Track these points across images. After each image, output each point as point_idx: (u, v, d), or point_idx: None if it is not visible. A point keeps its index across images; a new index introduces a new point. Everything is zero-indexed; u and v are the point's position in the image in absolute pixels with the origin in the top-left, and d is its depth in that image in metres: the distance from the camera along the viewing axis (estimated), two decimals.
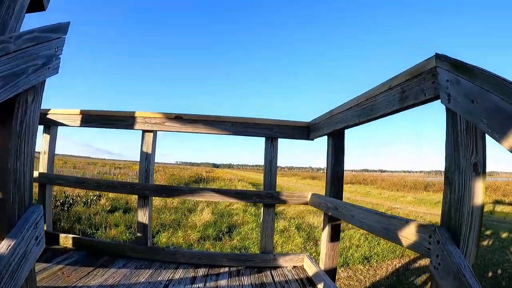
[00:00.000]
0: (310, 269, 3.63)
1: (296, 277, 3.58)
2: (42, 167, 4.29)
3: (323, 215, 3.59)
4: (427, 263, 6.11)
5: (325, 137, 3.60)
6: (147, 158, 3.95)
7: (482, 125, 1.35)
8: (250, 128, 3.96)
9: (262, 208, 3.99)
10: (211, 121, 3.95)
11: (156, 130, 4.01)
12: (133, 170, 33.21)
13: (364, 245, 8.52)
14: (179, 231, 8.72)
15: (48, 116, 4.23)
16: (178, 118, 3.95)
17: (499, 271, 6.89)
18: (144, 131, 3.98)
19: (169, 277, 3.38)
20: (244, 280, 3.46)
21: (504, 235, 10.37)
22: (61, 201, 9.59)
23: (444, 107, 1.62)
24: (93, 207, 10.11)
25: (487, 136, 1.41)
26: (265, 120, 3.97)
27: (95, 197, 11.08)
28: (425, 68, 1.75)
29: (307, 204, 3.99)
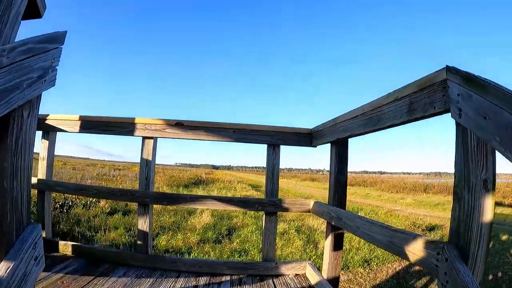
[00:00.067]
0: (313, 278, 3.60)
1: (298, 285, 3.55)
2: (41, 173, 4.24)
3: (326, 224, 3.54)
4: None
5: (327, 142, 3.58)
6: (147, 165, 3.90)
7: (494, 143, 1.31)
8: (252, 135, 3.93)
9: (264, 216, 3.96)
10: (213, 127, 3.91)
11: (157, 137, 3.96)
12: (133, 172, 33.20)
13: (364, 248, 8.49)
14: (179, 234, 8.67)
15: (46, 122, 4.18)
16: (179, 125, 3.90)
17: (499, 274, 6.87)
18: (144, 138, 3.94)
19: (170, 286, 3.34)
20: None
21: (504, 237, 10.35)
22: (60, 203, 9.54)
23: (451, 117, 1.59)
24: (92, 209, 10.05)
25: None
26: (267, 127, 3.93)
27: (94, 199, 11.03)
28: (434, 80, 1.71)
29: (309, 212, 3.95)
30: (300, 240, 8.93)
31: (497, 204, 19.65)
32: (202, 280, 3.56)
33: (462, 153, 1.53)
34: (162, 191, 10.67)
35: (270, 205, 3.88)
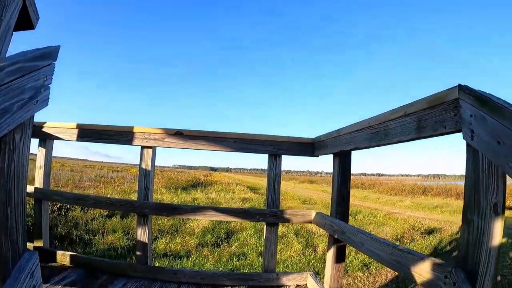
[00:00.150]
0: None
1: None
2: (38, 182, 4.18)
3: (328, 235, 3.50)
4: None
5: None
6: (146, 175, 3.84)
7: (508, 169, 1.28)
8: (253, 145, 3.88)
9: (265, 227, 3.91)
10: (213, 137, 3.87)
11: (156, 146, 3.91)
12: (131, 174, 33.19)
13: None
14: (177, 237, 8.67)
15: (43, 130, 4.12)
16: (179, 134, 3.85)
17: (499, 278, 6.86)
18: (143, 147, 3.88)
19: None
20: None
21: (503, 240, 10.35)
22: (58, 206, 9.50)
23: (463, 138, 1.55)
24: (90, 212, 10.01)
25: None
26: (268, 137, 3.88)
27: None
28: (446, 99, 1.66)
29: (311, 222, 3.91)
30: (299, 243, 8.93)
31: None
32: None
33: (472, 176, 1.50)
34: (161, 202, 10.65)
35: (271, 216, 3.83)
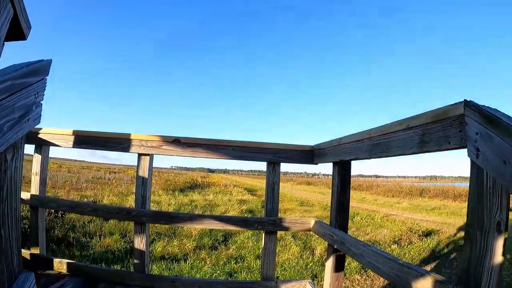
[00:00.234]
0: None
1: None
2: (34, 188, 4.13)
3: (327, 244, 3.47)
4: None
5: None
6: (143, 183, 3.80)
7: None
8: (252, 153, 3.84)
9: (263, 235, 3.87)
10: (211, 145, 3.83)
11: (153, 154, 3.86)
12: (128, 175, 33.19)
13: None
14: (175, 240, 8.65)
15: (39, 136, 4.07)
16: (176, 142, 3.80)
17: None
18: (140, 155, 3.84)
19: None
20: None
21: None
22: None
23: (467, 155, 1.52)
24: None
25: None
26: (267, 144, 3.85)
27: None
28: (450, 114, 1.63)
29: (310, 230, 3.89)
30: (296, 246, 8.92)
31: None
32: None
33: (476, 193, 1.46)
34: (159, 210, 10.62)
35: (270, 224, 3.80)
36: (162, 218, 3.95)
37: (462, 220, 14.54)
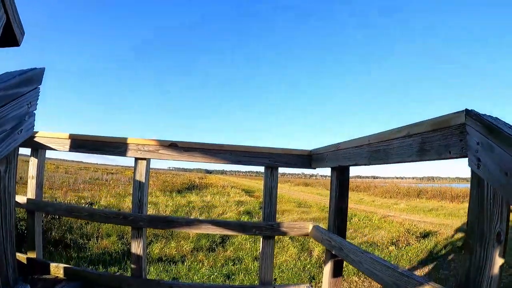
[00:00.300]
0: None
1: None
2: (30, 192, 4.10)
3: (325, 250, 3.45)
4: (422, 274, 6.05)
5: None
6: (140, 187, 3.78)
7: None
8: (249, 157, 3.84)
9: (261, 240, 3.86)
10: (209, 149, 3.82)
11: (150, 158, 3.85)
12: (125, 176, 33.18)
13: None
14: (172, 242, 8.61)
15: (35, 139, 4.04)
16: (173, 146, 3.79)
17: None
18: (137, 159, 3.82)
19: None
20: None
21: None
22: None
23: (468, 165, 1.50)
24: None
25: None
26: (265, 149, 3.84)
27: (87, 205, 10.95)
28: (451, 123, 1.61)
29: (307, 235, 3.87)
30: (294, 247, 8.90)
31: None
32: None
33: (477, 204, 1.45)
34: (156, 214, 10.60)
35: (268, 229, 3.78)
36: (159, 223, 3.94)
37: (459, 221, 14.57)
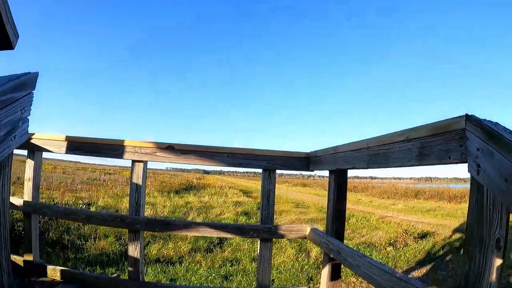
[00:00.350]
0: None
1: None
2: (26, 195, 4.07)
3: (323, 253, 3.45)
4: (420, 274, 6.04)
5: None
6: (137, 190, 3.77)
7: None
8: (247, 160, 3.83)
9: (259, 242, 3.85)
10: (206, 152, 3.81)
11: (147, 161, 3.83)
12: (123, 176, 33.13)
13: None
14: (170, 243, 8.59)
15: (32, 141, 4.02)
16: (170, 148, 3.78)
17: None
18: (134, 161, 3.81)
19: None
20: None
21: None
22: None
23: (468, 171, 1.48)
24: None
25: None
26: (262, 151, 3.83)
27: (84, 206, 10.93)
28: (451, 128, 1.60)
29: (305, 238, 3.86)
30: (292, 248, 8.88)
31: None
32: None
33: (476, 210, 1.44)
34: (153, 217, 10.58)
35: (265, 231, 3.77)
36: (156, 226, 3.93)
37: (457, 222, 14.58)
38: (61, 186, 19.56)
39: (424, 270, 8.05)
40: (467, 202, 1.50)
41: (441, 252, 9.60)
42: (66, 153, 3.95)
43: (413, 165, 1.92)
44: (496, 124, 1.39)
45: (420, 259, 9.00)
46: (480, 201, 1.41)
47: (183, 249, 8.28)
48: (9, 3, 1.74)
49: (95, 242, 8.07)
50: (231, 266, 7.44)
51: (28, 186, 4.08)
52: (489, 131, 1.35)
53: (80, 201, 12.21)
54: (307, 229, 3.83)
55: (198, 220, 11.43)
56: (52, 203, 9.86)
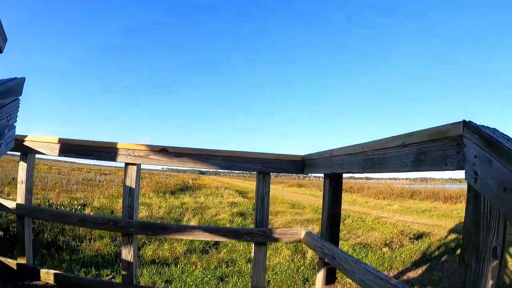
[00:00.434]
0: None
1: None
2: (19, 197, 4.05)
3: (318, 257, 3.43)
4: (415, 275, 6.04)
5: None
6: (130, 193, 3.74)
7: None
8: (241, 163, 3.82)
9: (253, 246, 3.82)
10: (199, 154, 3.79)
11: (140, 163, 3.81)
12: (119, 177, 33.00)
13: (353, 256, 8.45)
14: (165, 244, 8.55)
15: (25, 143, 3.99)
16: (164, 151, 3.76)
17: None
18: (127, 164, 3.78)
19: None
20: None
21: None
22: None
23: (465, 178, 1.46)
24: None
25: None
26: (257, 154, 3.81)
27: (79, 206, 10.86)
28: (448, 134, 1.56)
29: (300, 241, 3.85)
30: (288, 249, 8.86)
31: None
32: None
33: (473, 217, 1.42)
34: (147, 220, 10.54)
35: (260, 235, 3.75)
36: (150, 229, 3.90)
37: (453, 222, 14.62)
38: (56, 187, 19.48)
39: (420, 270, 8.06)
40: (463, 202, 1.49)
41: (436, 253, 9.61)
42: (58, 155, 3.92)
43: (409, 171, 1.89)
44: (494, 130, 1.37)
45: (416, 259, 9.01)
46: (477, 209, 1.39)
47: (178, 250, 8.24)
48: None
49: (90, 243, 8.01)
50: (226, 268, 7.42)
51: (21, 189, 4.05)
52: (487, 138, 1.32)
53: (75, 202, 12.12)
54: (302, 233, 3.81)
55: (194, 220, 11.40)
56: (47, 203, 9.82)
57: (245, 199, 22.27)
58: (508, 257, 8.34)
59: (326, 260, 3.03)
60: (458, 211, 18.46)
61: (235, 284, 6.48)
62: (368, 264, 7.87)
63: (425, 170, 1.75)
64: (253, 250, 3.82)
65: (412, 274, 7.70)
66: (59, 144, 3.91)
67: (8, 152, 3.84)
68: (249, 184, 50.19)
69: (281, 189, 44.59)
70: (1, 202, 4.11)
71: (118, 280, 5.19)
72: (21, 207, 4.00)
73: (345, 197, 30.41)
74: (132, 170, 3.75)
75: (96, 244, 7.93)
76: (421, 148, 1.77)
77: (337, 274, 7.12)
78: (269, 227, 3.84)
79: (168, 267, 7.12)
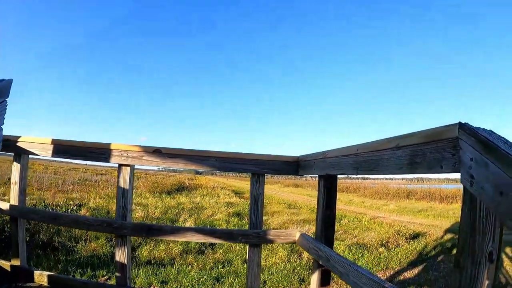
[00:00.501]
0: None
1: None
2: (13, 199, 4.02)
3: (312, 259, 3.42)
4: (412, 275, 6.05)
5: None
6: (124, 195, 3.71)
7: (509, 222, 1.18)
8: (235, 164, 3.79)
9: (248, 248, 3.80)
10: (193, 156, 3.77)
11: (134, 165, 3.79)
12: (115, 177, 32.92)
13: (348, 257, 8.44)
14: (161, 244, 8.54)
15: (18, 144, 3.95)
16: (157, 152, 3.74)
17: None
18: (120, 165, 3.76)
19: None
20: None
21: None
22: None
23: (461, 182, 1.43)
24: None
25: None
26: (251, 155, 3.79)
27: (75, 207, 10.82)
28: (444, 136, 1.53)
29: (295, 243, 3.83)
30: (284, 250, 8.86)
31: None
32: None
33: (468, 222, 1.39)
34: (141, 222, 10.52)
35: (254, 237, 3.73)
36: (143, 231, 3.88)
37: (449, 222, 14.67)
38: (52, 187, 19.43)
39: (416, 270, 8.08)
40: (459, 202, 1.48)
41: (432, 253, 9.64)
42: (52, 156, 3.89)
43: (403, 173, 1.87)
44: (491, 132, 1.35)
45: (412, 259, 9.02)
46: (473, 213, 1.37)
47: (174, 250, 8.23)
48: None
49: (86, 244, 8.00)
50: (222, 268, 7.41)
51: (14, 190, 4.02)
52: (484, 140, 1.29)
53: (71, 202, 12.06)
54: (296, 234, 3.79)
55: (190, 221, 11.39)
56: (43, 204, 9.77)
57: (242, 199, 22.26)
58: (504, 257, 8.36)
59: (321, 263, 3.01)
60: (454, 211, 18.52)
61: (231, 284, 6.47)
62: (365, 264, 7.90)
63: (420, 173, 1.73)
64: (247, 251, 3.80)
65: (408, 274, 7.71)
66: (52, 145, 3.88)
67: (4, 152, 3.81)
68: (246, 184, 50.24)
69: (278, 189, 44.67)
70: None
71: (113, 281, 5.18)
72: (14, 208, 3.97)
73: (341, 197, 30.52)
74: (126, 171, 3.73)
75: (92, 245, 7.92)
76: (416, 150, 1.75)
77: (333, 275, 7.15)
78: (263, 228, 3.82)
79: (164, 267, 7.12)
